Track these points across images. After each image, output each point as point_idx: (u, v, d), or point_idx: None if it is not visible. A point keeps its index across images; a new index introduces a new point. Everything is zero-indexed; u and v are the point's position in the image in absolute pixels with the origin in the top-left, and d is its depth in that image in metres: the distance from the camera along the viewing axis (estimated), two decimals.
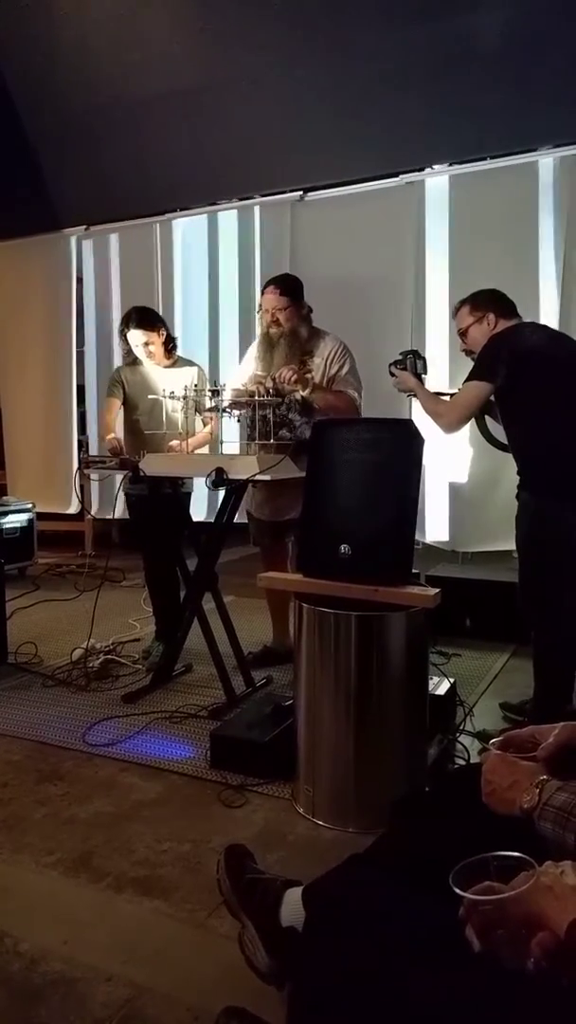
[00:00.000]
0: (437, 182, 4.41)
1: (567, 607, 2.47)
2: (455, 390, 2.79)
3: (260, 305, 3.20)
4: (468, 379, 2.50)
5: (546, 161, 4.10)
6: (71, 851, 1.96)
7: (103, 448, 3.30)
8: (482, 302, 2.61)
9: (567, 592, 2.46)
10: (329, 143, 4.48)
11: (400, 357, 2.79)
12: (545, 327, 2.59)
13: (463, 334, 2.65)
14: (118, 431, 3.43)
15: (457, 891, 0.92)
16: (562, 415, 2.43)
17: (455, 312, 2.70)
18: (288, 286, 3.14)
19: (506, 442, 2.66)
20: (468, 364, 2.61)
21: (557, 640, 2.50)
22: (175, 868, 1.89)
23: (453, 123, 4.18)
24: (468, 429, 3.01)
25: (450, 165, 4.35)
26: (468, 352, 2.65)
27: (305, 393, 2.99)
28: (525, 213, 4.16)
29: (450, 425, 2.57)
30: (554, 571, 2.44)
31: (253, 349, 3.30)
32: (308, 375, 3.01)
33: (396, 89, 4.20)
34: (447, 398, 2.70)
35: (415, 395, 2.76)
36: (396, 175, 4.46)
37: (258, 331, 3.27)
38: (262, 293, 3.18)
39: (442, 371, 4.17)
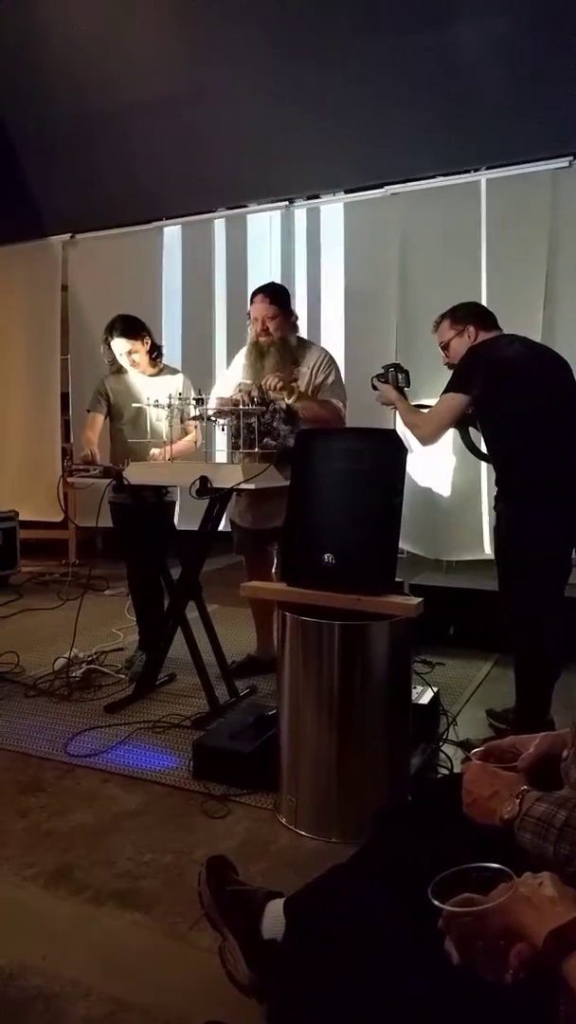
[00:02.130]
0: (419, 193, 4.44)
1: (546, 617, 2.48)
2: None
3: (249, 314, 3.20)
4: (445, 391, 2.52)
5: (531, 174, 4.14)
6: (51, 864, 1.94)
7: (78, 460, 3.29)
8: (462, 315, 2.64)
9: (545, 602, 2.47)
10: (316, 153, 4.52)
11: (382, 371, 2.82)
12: (524, 339, 2.62)
13: (445, 347, 2.68)
14: (103, 442, 3.41)
15: (436, 903, 0.92)
16: (537, 426, 2.44)
17: (436, 326, 2.72)
18: (276, 295, 3.16)
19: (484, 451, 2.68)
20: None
21: (537, 650, 2.51)
22: (156, 880, 1.87)
23: (439, 135, 4.22)
24: (452, 439, 3.02)
25: (434, 177, 4.40)
26: (451, 365, 2.67)
27: (291, 401, 3.00)
28: (509, 226, 4.20)
29: (426, 437, 2.59)
30: (532, 581, 2.45)
31: (240, 357, 3.30)
32: (294, 383, 3.02)
33: (382, 100, 4.24)
34: (426, 411, 2.71)
35: (396, 408, 2.78)
36: (381, 186, 4.49)
37: (248, 339, 3.26)
38: (251, 302, 3.18)
39: (432, 383, 4.21)
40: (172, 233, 5.23)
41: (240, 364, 3.26)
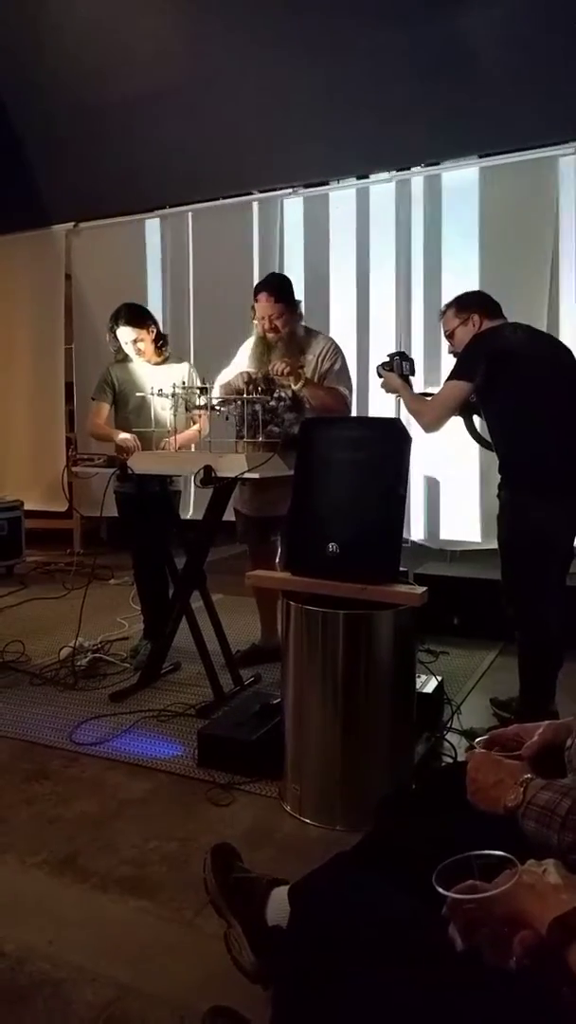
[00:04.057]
0: (424, 181, 4.41)
1: (548, 605, 2.49)
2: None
3: (254, 310, 3.16)
4: (448, 379, 2.53)
5: (534, 161, 4.11)
6: (57, 851, 1.95)
7: (92, 446, 3.27)
8: (466, 304, 2.64)
9: (548, 590, 2.48)
10: (320, 141, 4.49)
11: (387, 359, 2.83)
12: (527, 327, 2.63)
13: (450, 336, 2.68)
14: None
15: (440, 890, 0.92)
16: (540, 413, 2.45)
17: (441, 315, 2.73)
18: (281, 291, 3.10)
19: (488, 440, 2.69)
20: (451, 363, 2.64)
21: (540, 639, 2.52)
22: (161, 867, 1.88)
23: (443, 122, 4.18)
24: (456, 428, 3.01)
25: (439, 164, 4.37)
26: (455, 353, 2.67)
27: (297, 387, 2.99)
28: (513, 214, 4.17)
29: (429, 424, 2.59)
30: (534, 569, 2.46)
31: (246, 347, 3.28)
32: (301, 369, 3.01)
33: (386, 87, 4.20)
34: (430, 398, 2.71)
35: (400, 395, 2.79)
36: (386, 173, 4.47)
37: (254, 332, 3.23)
38: (255, 297, 3.14)
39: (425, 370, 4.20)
40: (176, 220, 5.20)
41: (246, 355, 3.24)
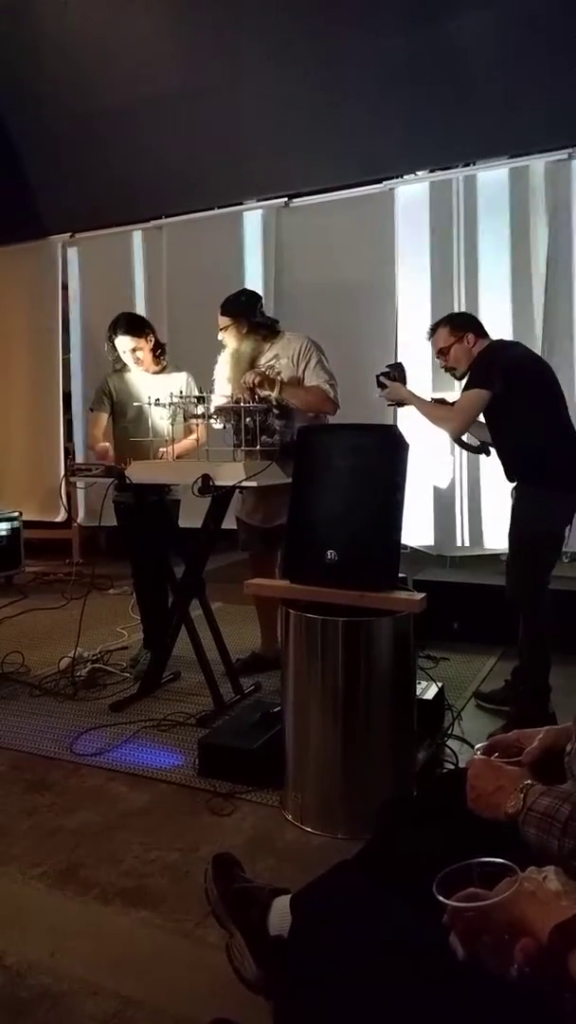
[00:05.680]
0: (417, 189, 4.43)
1: (547, 594, 2.64)
2: (432, 396, 3.03)
3: None
4: (468, 387, 2.68)
5: (536, 167, 4.13)
6: (58, 862, 1.95)
7: (91, 457, 3.28)
8: (459, 323, 2.82)
9: (549, 579, 2.65)
10: (314, 150, 4.50)
11: (387, 369, 2.88)
12: (517, 343, 2.86)
13: (444, 352, 2.81)
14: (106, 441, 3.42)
15: (440, 898, 0.92)
16: (550, 416, 2.66)
17: (432, 332, 2.87)
18: (227, 305, 3.15)
19: (475, 444, 2.92)
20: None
21: (543, 627, 2.63)
22: (163, 878, 1.88)
23: (436, 130, 4.20)
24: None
25: (431, 172, 4.39)
26: (448, 369, 2.85)
27: (275, 394, 2.99)
28: (508, 220, 4.19)
29: (456, 429, 2.76)
30: (547, 559, 2.63)
31: (222, 360, 3.30)
32: (278, 376, 3.02)
33: (380, 95, 4.22)
34: (453, 405, 2.83)
35: (405, 405, 2.92)
36: (380, 182, 4.48)
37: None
38: None
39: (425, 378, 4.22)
40: (172, 230, 5.22)
41: (224, 367, 3.27)
